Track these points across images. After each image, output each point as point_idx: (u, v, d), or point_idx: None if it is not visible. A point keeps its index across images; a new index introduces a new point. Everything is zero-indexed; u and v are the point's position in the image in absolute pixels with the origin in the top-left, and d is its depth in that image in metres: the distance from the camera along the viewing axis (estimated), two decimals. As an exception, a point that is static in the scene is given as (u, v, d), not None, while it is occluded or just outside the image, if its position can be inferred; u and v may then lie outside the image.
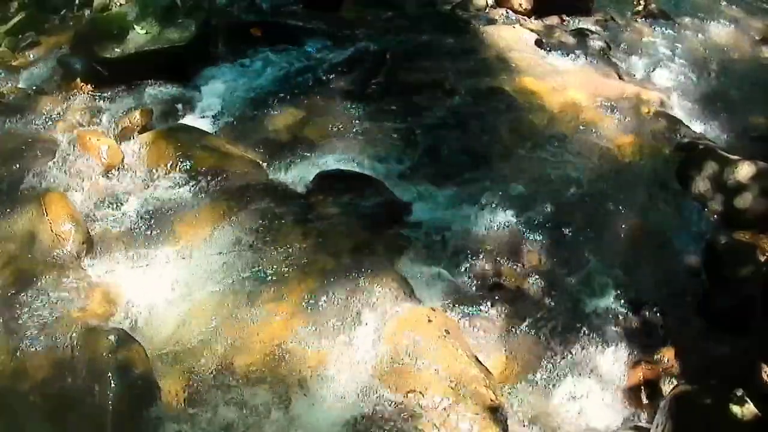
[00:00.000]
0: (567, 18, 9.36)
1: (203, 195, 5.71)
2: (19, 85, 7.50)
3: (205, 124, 6.77)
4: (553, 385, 4.81)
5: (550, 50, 8.27)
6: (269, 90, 7.35)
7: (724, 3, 10.16)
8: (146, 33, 7.46)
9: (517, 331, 5.03)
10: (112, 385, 4.28)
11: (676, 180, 6.38)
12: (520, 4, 9.35)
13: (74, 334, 4.55)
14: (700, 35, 9.28)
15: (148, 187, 5.89)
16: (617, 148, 6.65)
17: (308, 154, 6.42)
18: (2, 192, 5.79)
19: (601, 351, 4.98)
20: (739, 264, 5.44)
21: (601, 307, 5.27)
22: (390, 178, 6.17)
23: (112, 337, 4.45)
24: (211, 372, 4.47)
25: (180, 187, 5.80)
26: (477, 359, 4.54)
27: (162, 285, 5.06)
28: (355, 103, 7.09)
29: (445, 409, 4.15)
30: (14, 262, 5.08)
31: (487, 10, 9.35)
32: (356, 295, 4.81)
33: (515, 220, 5.72)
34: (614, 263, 5.60)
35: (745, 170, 6.03)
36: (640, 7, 9.75)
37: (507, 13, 9.29)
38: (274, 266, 5.09)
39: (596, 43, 8.43)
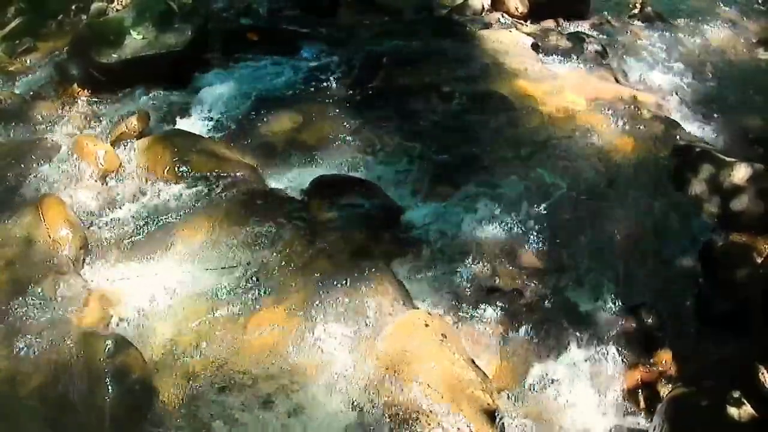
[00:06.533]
0: (563, 21, 9.39)
1: (200, 200, 5.73)
2: (16, 91, 7.51)
3: (201, 129, 6.77)
4: (550, 389, 4.81)
5: (546, 54, 8.27)
6: (266, 95, 7.36)
7: (720, 5, 10.16)
8: (143, 38, 7.47)
9: (514, 335, 5.04)
10: (110, 390, 4.29)
11: (673, 182, 6.37)
12: (516, 8, 9.37)
13: (71, 340, 4.55)
14: (696, 38, 9.29)
15: (145, 192, 5.90)
16: (613, 151, 6.64)
17: (305, 159, 6.44)
18: (-1, 197, 5.80)
19: (599, 354, 4.98)
20: (736, 266, 5.43)
21: (598, 309, 5.27)
22: (386, 182, 6.18)
23: (109, 342, 4.46)
24: (209, 376, 4.47)
25: (177, 192, 5.81)
26: (474, 363, 4.55)
27: (159, 290, 5.05)
28: (352, 108, 7.09)
29: (441, 412, 4.15)
30: (11, 268, 5.08)
31: (483, 14, 9.34)
32: (353, 299, 4.82)
33: (512, 223, 5.73)
34: (611, 266, 5.60)
35: (741, 172, 6.03)
36: (636, 10, 9.76)
37: (503, 16, 9.27)
38: (271, 271, 5.10)
39: (592, 47, 8.43)
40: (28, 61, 8.13)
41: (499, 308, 5.14)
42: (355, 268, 5.08)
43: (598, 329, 5.13)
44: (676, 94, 7.96)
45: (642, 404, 4.78)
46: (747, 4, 10.31)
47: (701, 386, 4.43)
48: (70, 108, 7.03)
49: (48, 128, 6.75)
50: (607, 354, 4.99)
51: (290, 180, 6.20)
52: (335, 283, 4.94)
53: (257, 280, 5.04)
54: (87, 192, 5.91)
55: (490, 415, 4.22)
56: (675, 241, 5.89)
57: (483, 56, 8.05)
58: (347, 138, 6.68)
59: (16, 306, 4.81)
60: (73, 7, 8.88)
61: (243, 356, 4.57)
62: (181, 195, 5.79)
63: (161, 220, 5.59)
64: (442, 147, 6.63)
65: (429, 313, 4.81)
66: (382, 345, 4.56)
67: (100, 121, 6.86)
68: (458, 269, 5.37)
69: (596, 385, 4.84)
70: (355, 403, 4.30)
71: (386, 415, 4.20)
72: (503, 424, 4.34)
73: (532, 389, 4.81)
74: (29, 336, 4.60)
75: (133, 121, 6.52)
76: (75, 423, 4.28)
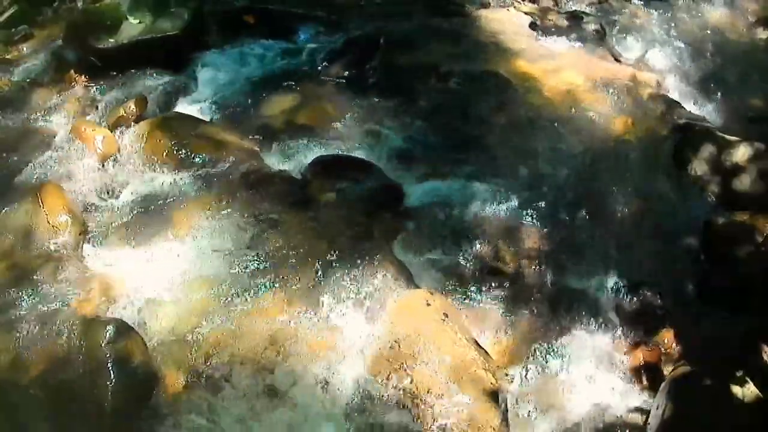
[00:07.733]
0: (561, 0, 9.32)
1: (199, 183, 5.72)
2: (14, 78, 7.47)
3: (200, 112, 6.75)
4: (553, 368, 4.82)
5: (544, 33, 8.24)
6: (263, 77, 7.34)
7: (718, -16, 10.11)
8: (139, 23, 7.44)
9: (516, 314, 5.04)
10: (112, 375, 4.28)
11: (673, 161, 6.36)
12: (514, -13, 9.32)
13: (73, 326, 4.53)
14: (695, 16, 9.23)
15: (144, 176, 5.88)
16: (614, 130, 6.63)
17: (304, 140, 6.40)
18: (-2, 184, 5.79)
19: (601, 333, 4.99)
20: (738, 245, 5.44)
21: (600, 289, 5.27)
22: (386, 162, 6.17)
23: (110, 328, 4.45)
24: (211, 360, 4.47)
25: (176, 175, 5.80)
26: (476, 342, 4.54)
27: (160, 274, 5.05)
28: (350, 89, 7.09)
29: (444, 392, 4.15)
30: (11, 255, 5.08)
31: (480, -7, 9.30)
32: (354, 279, 4.83)
33: (512, 203, 5.72)
34: (612, 245, 5.60)
35: (742, 151, 6.03)
36: (634, -12, 9.70)
37: (501, -5, 9.23)
38: (272, 253, 5.10)
39: (591, 26, 8.39)
40: (25, 49, 8.08)
41: (500, 288, 5.14)
42: (356, 249, 5.09)
43: (600, 309, 5.14)
44: (676, 72, 7.93)
45: (645, 383, 4.78)
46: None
47: (704, 365, 4.43)
48: (67, 94, 7.00)
49: (46, 115, 6.73)
50: (609, 333, 5.01)
51: (289, 161, 6.19)
52: (336, 263, 4.94)
53: (258, 262, 5.03)
54: (86, 177, 5.89)
55: (493, 394, 4.22)
56: (676, 220, 5.90)
57: (481, 36, 8.03)
58: (346, 119, 6.67)
59: (16, 293, 4.80)
60: (69, -7, 8.84)
61: (245, 339, 4.57)
62: (180, 178, 5.77)
63: (161, 204, 5.58)
64: (441, 127, 6.62)
65: (430, 293, 4.81)
66: (383, 325, 4.56)
67: (98, 106, 6.82)
68: (459, 249, 5.37)
69: (599, 365, 4.85)
70: (358, 384, 4.31)
71: (388, 394, 4.21)
72: (506, 403, 4.33)
73: (534, 369, 4.82)
74: (30, 323, 4.59)
75: (131, 106, 6.49)
76: (78, 409, 4.28)
